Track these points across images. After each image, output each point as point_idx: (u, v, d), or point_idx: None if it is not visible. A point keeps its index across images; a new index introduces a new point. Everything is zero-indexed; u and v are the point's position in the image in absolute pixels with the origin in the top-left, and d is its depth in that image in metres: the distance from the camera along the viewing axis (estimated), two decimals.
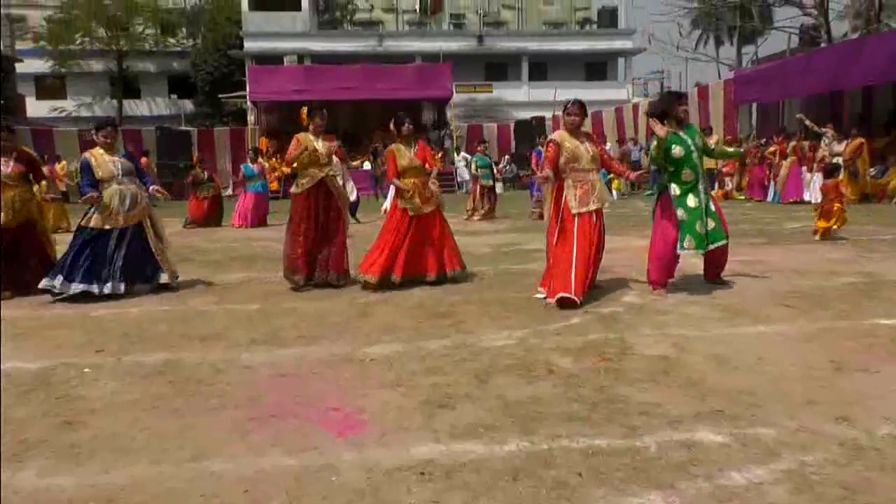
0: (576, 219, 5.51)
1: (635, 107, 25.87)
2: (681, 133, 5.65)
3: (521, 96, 34.63)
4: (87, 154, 6.30)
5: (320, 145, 6.41)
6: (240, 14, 34.06)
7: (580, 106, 5.74)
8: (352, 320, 5.11)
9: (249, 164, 14.41)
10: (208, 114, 34.38)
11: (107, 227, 6.15)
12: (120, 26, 35.42)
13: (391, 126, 6.58)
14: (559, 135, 5.72)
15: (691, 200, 5.58)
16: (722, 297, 5.53)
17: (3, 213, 6.26)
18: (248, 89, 27.09)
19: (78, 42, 34.88)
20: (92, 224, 6.14)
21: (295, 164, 6.50)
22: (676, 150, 5.59)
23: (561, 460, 2.65)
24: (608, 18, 38.23)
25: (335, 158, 6.69)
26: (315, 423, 3.10)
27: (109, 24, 34.93)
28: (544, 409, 3.19)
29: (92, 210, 6.17)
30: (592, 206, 5.56)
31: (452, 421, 3.07)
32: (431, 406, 3.27)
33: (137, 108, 37.54)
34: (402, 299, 5.83)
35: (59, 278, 6.03)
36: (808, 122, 15.63)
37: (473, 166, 14.31)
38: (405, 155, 6.40)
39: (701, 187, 5.64)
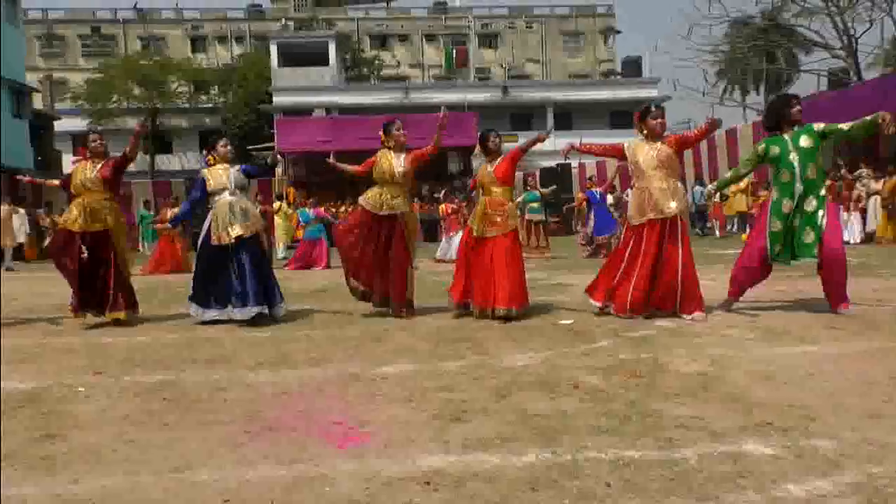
0: (633, 231, 5.51)
1: None
2: (784, 134, 5.39)
3: (547, 145, 34.17)
4: (204, 170, 6.17)
5: (399, 163, 5.93)
6: (269, 70, 34.95)
7: (662, 110, 5.68)
8: (365, 344, 4.82)
9: (306, 210, 14.16)
10: None
11: (223, 241, 5.86)
12: (154, 85, 36.51)
13: (478, 143, 6.15)
14: (629, 141, 5.74)
15: (785, 206, 5.30)
16: (763, 320, 5.15)
17: (78, 217, 5.95)
18: (275, 141, 27.48)
19: (114, 100, 35.96)
20: (216, 241, 5.90)
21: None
22: (773, 150, 5.37)
23: (587, 471, 2.32)
24: (632, 68, 38.44)
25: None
26: (314, 435, 2.80)
27: (144, 83, 36.03)
28: (569, 422, 2.86)
29: (207, 226, 5.98)
30: (649, 216, 5.38)
31: (466, 433, 2.76)
32: (443, 419, 2.96)
33: (169, 162, 38.34)
34: (420, 325, 5.54)
35: (193, 306, 5.97)
36: (843, 171, 15.24)
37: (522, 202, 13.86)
38: (483, 171, 6.00)
39: (798, 189, 5.26)
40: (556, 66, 47.59)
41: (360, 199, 6.05)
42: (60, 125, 33.32)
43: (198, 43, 44.93)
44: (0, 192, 15.56)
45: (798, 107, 5.42)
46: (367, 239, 5.92)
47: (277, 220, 17.14)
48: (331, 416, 3.07)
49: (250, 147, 32.63)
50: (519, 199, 13.61)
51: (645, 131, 5.60)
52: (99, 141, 6.24)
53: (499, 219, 5.74)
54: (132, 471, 2.46)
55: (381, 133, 6.20)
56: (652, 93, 36.17)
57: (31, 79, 35.70)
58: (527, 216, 13.54)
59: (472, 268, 5.83)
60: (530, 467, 2.36)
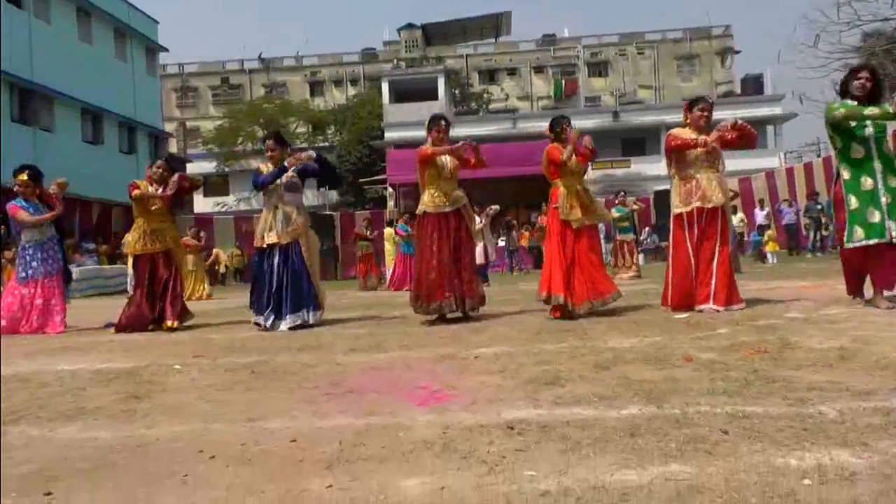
0: (680, 220, 5.26)
1: (789, 170, 24.08)
2: (849, 100, 4.72)
3: (661, 170, 33.26)
4: (261, 165, 6.20)
5: (444, 159, 5.68)
6: (381, 108, 36.12)
7: (707, 104, 5.41)
8: (463, 335, 4.61)
9: (406, 224, 14.28)
10: (352, 202, 36.08)
11: (266, 243, 5.82)
12: (276, 126, 38.55)
13: (547, 129, 5.75)
14: (677, 130, 5.42)
15: (867, 182, 4.63)
16: None
17: (141, 241, 6.32)
18: (387, 174, 28.16)
19: (240, 142, 38.31)
20: (256, 243, 5.94)
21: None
22: (840, 112, 4.66)
23: (699, 421, 1.98)
24: (753, 86, 36.60)
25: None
26: (396, 396, 2.62)
27: (267, 126, 38.15)
28: (680, 386, 2.52)
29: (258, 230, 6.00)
30: (694, 205, 5.16)
31: (560, 394, 2.48)
32: (537, 384, 2.69)
33: None
34: (522, 320, 5.28)
35: (253, 314, 5.87)
36: None
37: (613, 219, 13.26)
38: (562, 157, 5.46)
39: (878, 167, 4.62)
40: (670, 90, 46.22)
41: (422, 208, 5.71)
42: (192, 167, 35.79)
43: (316, 87, 47.24)
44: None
45: (860, 81, 4.68)
46: (441, 245, 5.57)
47: (388, 246, 17.43)
48: (416, 381, 2.88)
49: (362, 180, 33.67)
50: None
51: (689, 122, 5.39)
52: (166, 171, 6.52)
53: (591, 205, 5.58)
54: (206, 420, 2.37)
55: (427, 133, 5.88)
56: (775, 110, 34.25)
57: (169, 128, 38.86)
58: (618, 237, 12.97)
59: (588, 262, 5.41)
60: (630, 418, 2.06)
